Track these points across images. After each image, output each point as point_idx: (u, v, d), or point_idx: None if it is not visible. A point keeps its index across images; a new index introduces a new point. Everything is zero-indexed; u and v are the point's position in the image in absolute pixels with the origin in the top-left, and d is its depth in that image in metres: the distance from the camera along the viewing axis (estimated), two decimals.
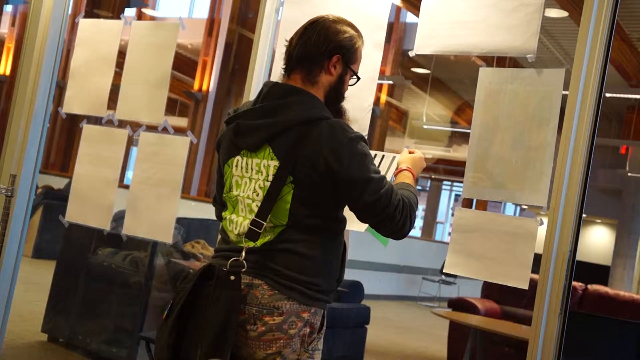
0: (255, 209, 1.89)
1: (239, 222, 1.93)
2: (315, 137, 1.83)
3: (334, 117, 1.92)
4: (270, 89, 1.94)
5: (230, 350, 1.79)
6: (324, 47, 1.93)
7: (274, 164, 1.87)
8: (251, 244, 1.88)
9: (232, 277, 1.81)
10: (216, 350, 1.77)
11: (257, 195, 1.90)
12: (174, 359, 1.85)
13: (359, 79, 2.03)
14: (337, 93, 1.98)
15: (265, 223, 1.86)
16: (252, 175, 1.92)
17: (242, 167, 1.95)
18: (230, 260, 1.85)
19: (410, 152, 2.22)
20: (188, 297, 1.85)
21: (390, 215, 1.83)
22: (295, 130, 1.85)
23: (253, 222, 1.87)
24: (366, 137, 2.50)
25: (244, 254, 1.86)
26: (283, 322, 1.84)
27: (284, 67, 1.98)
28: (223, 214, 2.02)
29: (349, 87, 2.03)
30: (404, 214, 1.85)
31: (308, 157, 1.83)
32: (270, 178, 1.87)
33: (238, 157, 1.96)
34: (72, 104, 3.43)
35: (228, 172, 1.99)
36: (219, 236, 2.05)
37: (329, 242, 1.92)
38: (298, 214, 1.86)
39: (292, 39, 1.99)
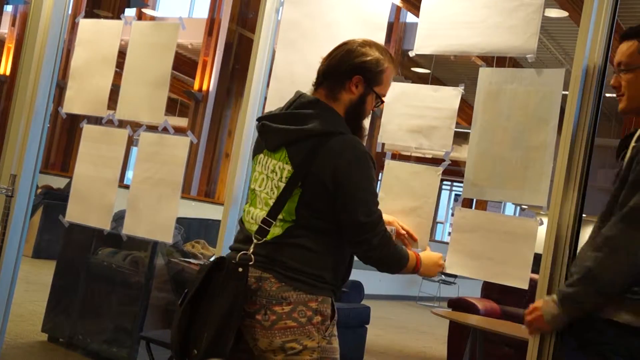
0: (271, 204, 2.04)
1: (256, 213, 2.08)
2: (327, 151, 1.97)
3: (351, 133, 2.06)
4: (297, 98, 2.10)
5: (235, 334, 1.95)
6: (344, 67, 2.07)
7: (288, 168, 2.01)
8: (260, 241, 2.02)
9: (240, 269, 1.97)
10: (222, 334, 1.93)
11: (274, 193, 2.03)
12: (185, 341, 2.00)
13: (382, 102, 2.15)
14: (356, 111, 2.10)
15: (274, 222, 2.01)
16: (269, 174, 2.07)
17: (263, 165, 2.10)
18: (239, 254, 2.01)
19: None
20: (200, 286, 2.02)
21: (369, 239, 1.99)
22: (311, 140, 1.99)
23: (264, 221, 2.02)
24: (366, 137, 2.50)
25: (252, 248, 2.01)
26: (292, 310, 1.96)
27: (314, 82, 2.13)
28: (244, 206, 2.16)
29: (373, 108, 2.15)
30: (381, 244, 2.01)
31: (318, 168, 1.98)
32: (284, 180, 2.02)
33: (261, 155, 2.12)
34: (73, 104, 3.43)
35: (253, 167, 2.17)
36: (238, 226, 2.21)
37: (333, 241, 2.04)
38: (304, 214, 2.00)
39: (324, 57, 2.14)
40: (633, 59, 2.03)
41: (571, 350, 2.01)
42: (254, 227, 2.05)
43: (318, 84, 2.11)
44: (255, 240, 2.01)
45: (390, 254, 2.06)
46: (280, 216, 2.01)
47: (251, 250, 2.00)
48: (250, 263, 1.98)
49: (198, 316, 2.00)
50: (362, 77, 2.07)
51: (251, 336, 2.02)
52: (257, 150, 2.16)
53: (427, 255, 2.27)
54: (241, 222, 2.16)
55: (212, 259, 2.15)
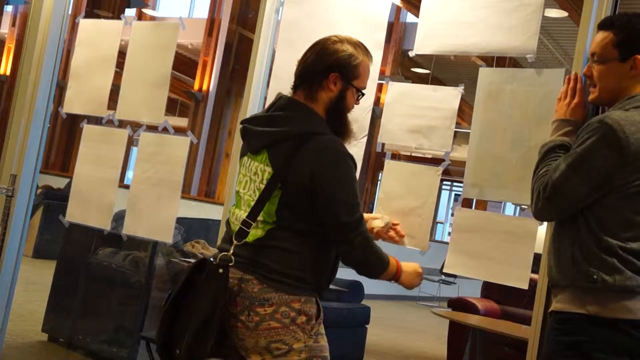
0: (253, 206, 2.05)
1: (240, 215, 2.09)
2: (306, 152, 1.98)
3: (334, 132, 2.06)
4: (277, 100, 2.09)
5: (218, 334, 1.97)
6: (319, 67, 2.07)
7: (268, 170, 2.02)
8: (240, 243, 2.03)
9: (221, 270, 1.98)
10: (202, 334, 1.94)
11: (255, 195, 2.05)
12: (168, 342, 2.02)
13: (363, 94, 2.14)
14: (338, 108, 2.10)
15: (253, 223, 2.03)
16: (251, 177, 2.08)
17: (246, 167, 2.11)
18: (220, 254, 2.03)
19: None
20: (182, 286, 2.05)
21: (351, 239, 1.99)
22: (290, 142, 2.00)
23: (243, 222, 2.04)
24: (366, 137, 2.49)
25: (232, 249, 2.03)
26: (274, 312, 1.97)
27: (292, 84, 2.12)
28: (230, 208, 2.18)
29: (357, 101, 2.15)
30: (362, 244, 2.01)
31: (297, 170, 1.98)
32: (264, 182, 2.02)
33: (245, 157, 2.14)
34: (73, 104, 3.43)
35: (239, 169, 2.19)
36: (225, 227, 2.21)
37: (315, 242, 2.04)
38: (284, 216, 2.01)
39: (299, 59, 2.13)
40: (606, 51, 2.00)
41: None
42: (237, 229, 2.06)
43: (296, 86, 2.11)
44: (235, 242, 2.03)
45: (372, 255, 2.06)
46: (260, 218, 2.02)
47: (231, 251, 2.02)
48: (231, 264, 2.00)
49: (180, 317, 2.02)
50: (338, 74, 2.07)
51: (237, 336, 2.03)
52: (242, 153, 2.19)
53: (406, 264, 2.22)
54: (227, 223, 2.18)
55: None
